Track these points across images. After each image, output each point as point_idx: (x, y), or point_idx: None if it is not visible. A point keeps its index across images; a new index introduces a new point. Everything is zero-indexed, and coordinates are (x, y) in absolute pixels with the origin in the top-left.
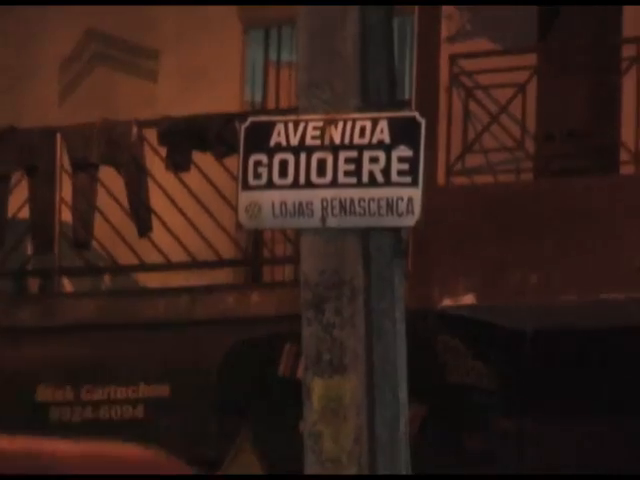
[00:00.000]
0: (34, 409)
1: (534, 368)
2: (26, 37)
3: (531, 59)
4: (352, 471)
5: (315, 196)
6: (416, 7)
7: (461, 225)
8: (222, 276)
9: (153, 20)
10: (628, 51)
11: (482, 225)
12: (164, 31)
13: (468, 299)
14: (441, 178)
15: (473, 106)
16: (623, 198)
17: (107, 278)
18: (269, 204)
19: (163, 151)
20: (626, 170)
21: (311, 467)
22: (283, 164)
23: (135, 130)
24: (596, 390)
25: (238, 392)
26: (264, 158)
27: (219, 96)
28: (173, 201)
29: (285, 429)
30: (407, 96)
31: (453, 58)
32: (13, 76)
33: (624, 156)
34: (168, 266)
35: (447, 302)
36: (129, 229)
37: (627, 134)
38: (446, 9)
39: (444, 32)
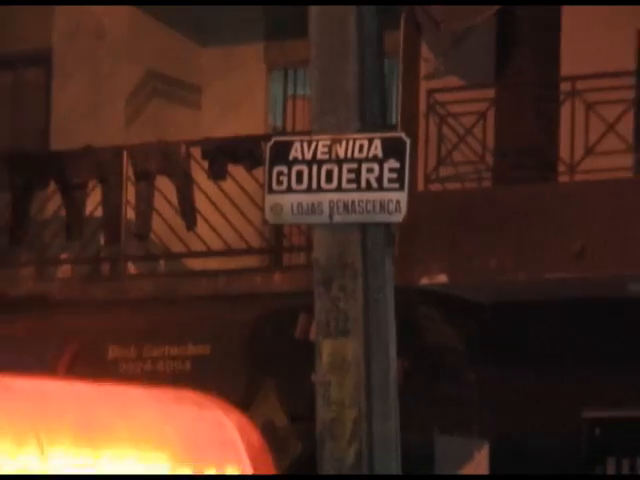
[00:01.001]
0: (107, 365)
1: (492, 332)
2: (100, 76)
3: (490, 92)
4: (354, 412)
5: (324, 198)
6: (400, 51)
7: (436, 222)
8: (251, 261)
9: (197, 62)
10: (565, 86)
11: (452, 222)
12: (206, 71)
13: (441, 278)
14: (420, 185)
15: (445, 129)
16: (561, 201)
17: (162, 263)
18: (288, 205)
19: (205, 164)
20: (563, 179)
21: (321, 409)
22: (299, 174)
23: (184, 148)
24: (540, 349)
25: (263, 352)
26: (284, 169)
27: (249, 122)
28: (213, 203)
29: (300, 380)
30: (394, 121)
31: (429, 92)
32: (90, 106)
33: (561, 168)
34: (208, 253)
35: (425, 281)
36: (179, 225)
37: (564, 151)
38: (424, 53)
39: (422, 71)
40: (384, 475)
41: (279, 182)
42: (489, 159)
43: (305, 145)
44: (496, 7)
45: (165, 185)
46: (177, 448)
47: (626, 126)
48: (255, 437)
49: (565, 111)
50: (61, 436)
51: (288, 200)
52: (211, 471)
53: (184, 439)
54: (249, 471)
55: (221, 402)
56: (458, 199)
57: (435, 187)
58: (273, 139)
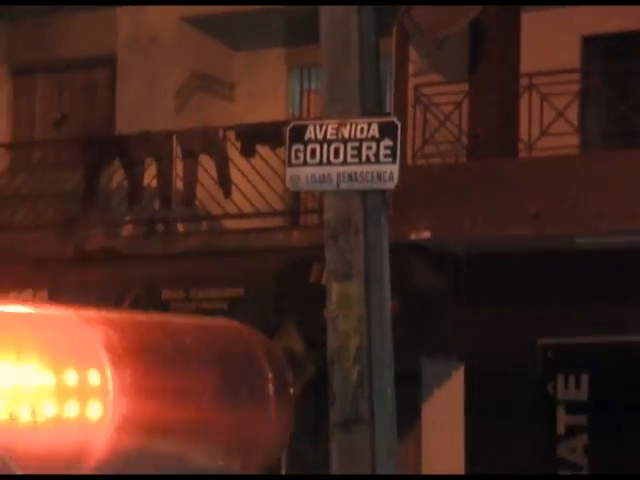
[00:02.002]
0: (160, 305)
1: (466, 277)
2: (154, 76)
3: (464, 86)
4: (356, 339)
5: (332, 170)
6: (393, 54)
7: (421, 189)
8: (274, 221)
9: (230, 63)
10: (524, 81)
11: (434, 189)
12: (238, 70)
13: (426, 234)
14: (409, 160)
15: (429, 116)
16: (521, 173)
17: (204, 223)
18: (304, 175)
19: (238, 144)
20: (523, 155)
21: (331, 338)
22: (313, 151)
23: (221, 132)
24: (505, 290)
25: (285, 294)
26: (301, 147)
27: (272, 110)
28: (245, 175)
29: (314, 315)
30: (388, 109)
31: (416, 86)
32: (147, 100)
33: (521, 147)
34: (241, 215)
35: (413, 236)
36: (217, 193)
37: (523, 133)
38: (412, 55)
39: (410, 70)
40: (386, 475)
41: (297, 157)
42: (464, 139)
43: (317, 128)
44: (469, 18)
45: (206, 161)
46: (216, 362)
47: (573, 113)
48: (278, 358)
49: (524, 101)
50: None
51: (304, 172)
52: (241, 385)
53: (220, 357)
54: (272, 386)
55: (251, 328)
56: (439, 171)
57: (421, 162)
58: (292, 123)
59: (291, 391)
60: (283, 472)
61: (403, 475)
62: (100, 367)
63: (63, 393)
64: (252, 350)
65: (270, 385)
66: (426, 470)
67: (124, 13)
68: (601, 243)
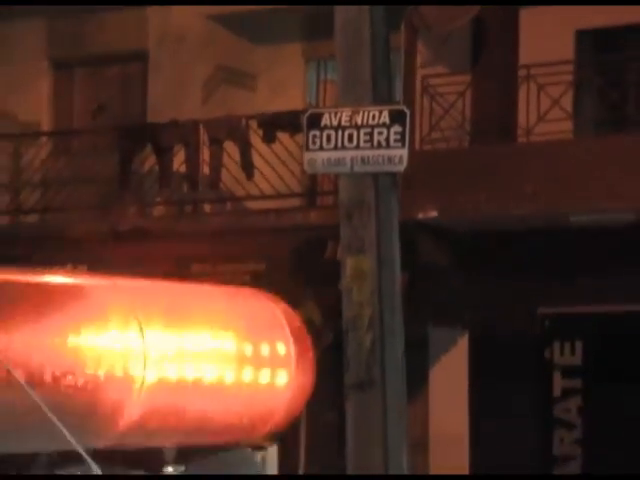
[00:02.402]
0: (190, 278)
1: (470, 253)
2: (182, 69)
3: (467, 77)
4: (369, 310)
5: (347, 154)
6: (402, 47)
7: (428, 172)
8: (293, 202)
9: (252, 57)
10: (522, 72)
11: (440, 172)
12: (259, 64)
13: (432, 213)
14: (417, 145)
15: (434, 104)
16: (519, 156)
17: (229, 204)
18: (321, 159)
19: (260, 132)
20: (521, 140)
21: (346, 309)
22: (328, 136)
23: (244, 120)
24: (506, 264)
25: (303, 268)
26: (318, 133)
27: (291, 100)
28: (266, 159)
29: (331, 288)
30: (398, 98)
31: (423, 77)
32: (176, 91)
33: (520, 132)
34: (262, 196)
35: (421, 215)
36: (241, 176)
37: (522, 120)
38: (420, 48)
39: (418, 62)
40: (392, 475)
41: (314, 143)
42: (467, 126)
43: (332, 115)
44: (471, 15)
45: (231, 148)
46: (240, 329)
47: (567, 101)
48: (297, 323)
49: (522, 90)
50: (155, 319)
51: (320, 156)
52: (265, 346)
53: (246, 322)
54: (292, 347)
55: (274, 297)
56: (444, 156)
57: (427, 147)
58: (309, 111)
59: (311, 353)
60: (302, 430)
61: (411, 475)
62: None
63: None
64: (275, 315)
65: (292, 348)
66: (433, 429)
67: (154, 12)
68: (594, 220)
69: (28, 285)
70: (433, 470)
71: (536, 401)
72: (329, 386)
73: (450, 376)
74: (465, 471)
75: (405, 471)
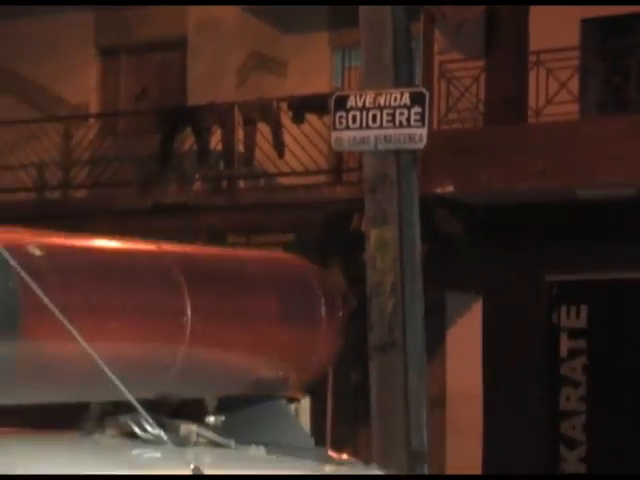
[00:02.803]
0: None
1: (483, 224)
2: (219, 56)
3: (481, 63)
4: (391, 277)
5: (371, 133)
6: (421, 35)
7: (445, 150)
8: (321, 178)
9: (283, 45)
10: (532, 58)
11: (456, 150)
12: (289, 51)
13: (449, 188)
14: (435, 126)
15: (451, 88)
16: (530, 135)
17: (261, 180)
18: (347, 138)
19: (290, 113)
20: (531, 121)
21: (370, 276)
22: (354, 117)
23: (275, 103)
24: (517, 234)
25: (330, 239)
26: (344, 114)
27: (319, 84)
28: (295, 138)
29: (356, 257)
30: (417, 82)
31: (441, 62)
32: (213, 76)
33: (530, 113)
34: (292, 173)
35: (438, 190)
36: (272, 154)
37: (532, 102)
38: (437, 36)
39: (436, 49)
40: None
41: (340, 123)
42: (481, 108)
43: (357, 98)
44: (484, 5)
45: (263, 128)
46: (276, 290)
47: (574, 84)
48: (328, 285)
49: (532, 75)
50: (198, 280)
51: (346, 135)
52: (298, 306)
53: (281, 284)
54: (323, 308)
55: (306, 261)
56: (460, 135)
57: (444, 127)
58: (336, 94)
59: (340, 314)
60: (329, 387)
61: (430, 475)
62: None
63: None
64: (307, 278)
65: (322, 308)
66: (450, 386)
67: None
68: (598, 194)
69: (84, 249)
70: (449, 424)
71: (544, 361)
72: (353, 348)
73: (465, 338)
74: (479, 425)
75: (424, 425)
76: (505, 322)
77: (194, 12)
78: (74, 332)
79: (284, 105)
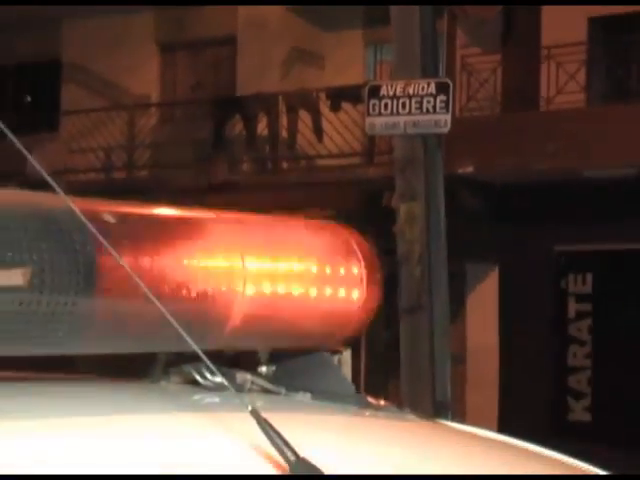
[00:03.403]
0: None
1: (500, 200)
2: (264, 51)
3: (498, 57)
4: (419, 247)
5: (401, 119)
6: (444, 31)
7: (467, 135)
8: (355, 159)
9: (321, 41)
10: (544, 52)
11: (476, 135)
12: (327, 47)
13: (470, 169)
14: (457, 113)
15: (472, 79)
16: (542, 121)
17: (302, 162)
18: (379, 123)
19: (328, 102)
20: (543, 108)
21: (400, 246)
22: (386, 104)
23: (315, 93)
24: (529, 209)
25: (364, 213)
26: (377, 102)
27: (353, 76)
28: (332, 124)
29: (387, 230)
30: (442, 73)
31: (462, 57)
32: (259, 69)
33: (542, 102)
34: (330, 155)
35: (460, 170)
36: (312, 138)
37: (543, 91)
38: (459, 33)
39: (458, 44)
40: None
41: (373, 110)
42: (498, 97)
43: (389, 87)
44: (501, 6)
45: (304, 115)
46: (321, 253)
47: (581, 76)
48: (368, 250)
49: (544, 67)
50: (252, 244)
51: (379, 120)
52: (341, 268)
53: (326, 248)
54: (364, 270)
55: (348, 228)
56: (480, 121)
57: (466, 115)
58: (370, 84)
59: (378, 276)
60: (363, 344)
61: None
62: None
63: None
64: (350, 243)
65: (363, 270)
66: (470, 344)
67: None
68: (603, 174)
69: (150, 217)
70: (469, 378)
71: (554, 322)
72: (384, 311)
73: (483, 302)
74: (495, 379)
75: (448, 379)
76: (519, 288)
77: (243, 12)
78: (146, 290)
79: (322, 95)
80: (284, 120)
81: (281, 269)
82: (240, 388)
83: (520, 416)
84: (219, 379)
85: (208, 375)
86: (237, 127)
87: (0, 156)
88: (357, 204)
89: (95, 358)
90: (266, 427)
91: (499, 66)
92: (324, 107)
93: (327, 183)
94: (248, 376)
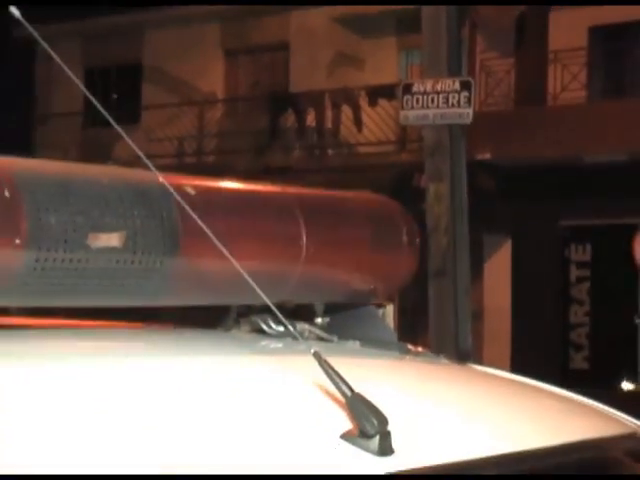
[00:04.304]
0: None
1: (513, 182)
2: (313, 55)
3: (512, 60)
4: (445, 221)
5: (430, 112)
6: (467, 37)
7: (485, 126)
8: (390, 147)
9: (361, 47)
10: (550, 56)
11: (493, 126)
12: (365, 52)
13: (487, 155)
14: (477, 108)
15: (489, 79)
16: (549, 115)
17: (345, 148)
18: (412, 115)
19: (366, 98)
20: (550, 104)
21: (429, 219)
22: (417, 99)
23: (356, 90)
24: (536, 188)
25: (397, 193)
26: (409, 97)
27: (388, 77)
28: (370, 117)
29: (417, 206)
30: (464, 73)
31: (481, 60)
32: (308, 71)
33: (549, 98)
34: (368, 143)
35: (479, 156)
36: (353, 129)
37: (550, 88)
38: (478, 39)
39: (478, 48)
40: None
41: (407, 104)
42: (512, 94)
43: (420, 85)
44: (515, 15)
45: (346, 109)
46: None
47: (582, 76)
48: (408, 218)
49: (551, 69)
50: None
51: (411, 113)
52: (386, 233)
53: (372, 215)
54: (405, 236)
55: (390, 199)
56: (496, 115)
57: (484, 109)
58: (404, 82)
59: (417, 241)
60: (395, 303)
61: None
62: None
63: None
64: (393, 213)
65: (404, 237)
66: (486, 304)
67: (294, 15)
68: (600, 159)
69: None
70: (486, 332)
71: (558, 285)
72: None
73: (498, 268)
74: (508, 333)
75: (469, 331)
76: (528, 257)
77: (294, 22)
78: (223, 249)
79: (362, 92)
80: (329, 113)
81: (335, 234)
82: (300, 336)
83: (529, 365)
84: (282, 328)
85: (273, 324)
86: (289, 120)
87: (89, 144)
88: (391, 185)
89: (176, 310)
90: (326, 367)
91: (512, 68)
92: (363, 102)
93: (365, 167)
94: (306, 326)
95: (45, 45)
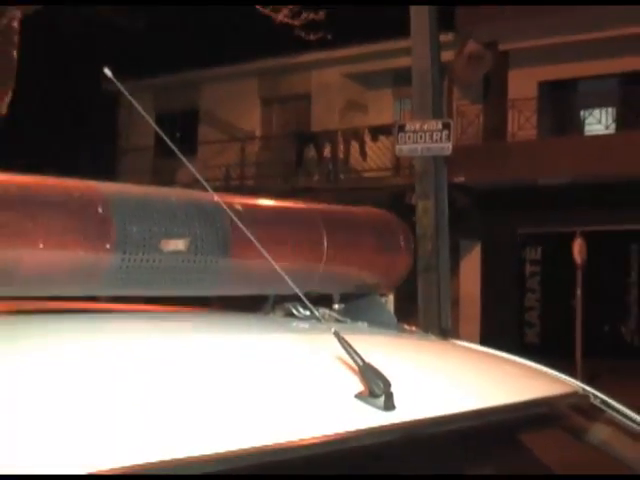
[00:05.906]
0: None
1: (482, 200)
2: (330, 103)
3: (480, 106)
4: (431, 229)
5: (418, 146)
6: (445, 88)
7: (459, 156)
8: (387, 172)
9: (365, 96)
10: (509, 103)
11: (466, 156)
12: (369, 100)
13: (461, 179)
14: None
15: (463, 121)
16: (508, 149)
17: (353, 173)
18: (405, 148)
19: (369, 135)
20: (509, 140)
21: (418, 228)
22: (409, 136)
23: (361, 130)
24: (500, 206)
25: (392, 209)
26: (403, 135)
27: (386, 120)
28: (372, 150)
29: (409, 219)
30: (444, 116)
31: (457, 105)
32: (326, 115)
33: (508, 135)
34: (371, 169)
35: (456, 180)
36: (359, 159)
37: (510, 128)
38: (455, 90)
39: (455, 96)
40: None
41: (401, 139)
42: (480, 132)
43: (411, 125)
44: (483, 73)
45: (354, 144)
46: (372, 227)
47: (533, 119)
48: (403, 226)
49: (510, 113)
50: (328, 219)
51: (405, 147)
52: (387, 237)
53: (375, 223)
54: (402, 240)
55: (389, 212)
56: (468, 148)
57: (460, 143)
58: (398, 123)
59: (412, 244)
60: (392, 295)
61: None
62: (397, 234)
63: (384, 246)
64: (392, 222)
65: (401, 241)
66: (462, 293)
67: (314, 72)
68: (549, 181)
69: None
70: (462, 316)
71: (515, 278)
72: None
73: (470, 265)
74: (478, 316)
75: (449, 316)
76: (494, 257)
77: (314, 77)
78: (264, 252)
79: (366, 131)
80: (341, 147)
81: (350, 239)
82: (322, 318)
83: (494, 340)
84: (308, 312)
85: (301, 310)
86: (311, 152)
87: (158, 171)
88: (389, 202)
89: (225, 299)
90: (343, 342)
91: (481, 112)
92: (367, 139)
93: (369, 188)
94: (326, 311)
95: (129, 96)
